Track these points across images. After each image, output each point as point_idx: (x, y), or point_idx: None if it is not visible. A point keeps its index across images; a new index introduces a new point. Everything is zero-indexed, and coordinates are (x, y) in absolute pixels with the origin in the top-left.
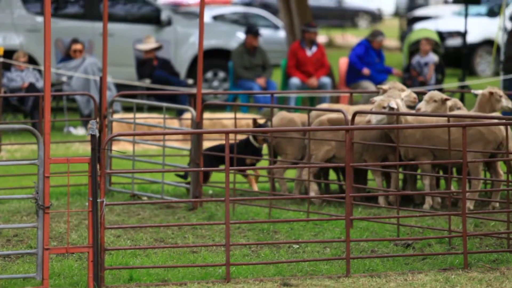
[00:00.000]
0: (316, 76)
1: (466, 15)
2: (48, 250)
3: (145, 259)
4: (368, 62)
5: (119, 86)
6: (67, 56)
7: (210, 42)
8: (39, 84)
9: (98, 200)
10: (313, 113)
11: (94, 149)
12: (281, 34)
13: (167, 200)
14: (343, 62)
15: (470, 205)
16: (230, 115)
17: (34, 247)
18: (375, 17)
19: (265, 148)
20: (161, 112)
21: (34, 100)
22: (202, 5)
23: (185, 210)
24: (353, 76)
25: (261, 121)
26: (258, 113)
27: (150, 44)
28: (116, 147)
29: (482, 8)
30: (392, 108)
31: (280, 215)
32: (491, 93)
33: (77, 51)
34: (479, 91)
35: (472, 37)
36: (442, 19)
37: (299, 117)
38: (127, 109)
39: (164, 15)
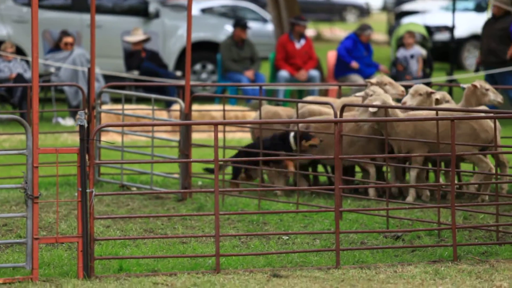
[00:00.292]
0: (305, 69)
1: (454, 10)
2: (37, 239)
3: (134, 250)
4: (356, 56)
5: (107, 78)
6: (56, 47)
7: (199, 35)
8: (27, 75)
9: (87, 190)
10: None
11: (83, 139)
12: (270, 27)
13: (157, 191)
14: (331, 56)
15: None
16: (219, 107)
17: (23, 236)
18: (363, 11)
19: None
20: (150, 104)
21: (22, 91)
22: None
23: (175, 201)
24: (341, 69)
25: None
26: (247, 105)
27: (138, 36)
28: (105, 138)
29: (470, 3)
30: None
31: (270, 207)
32: (475, 87)
33: (68, 44)
34: (467, 85)
35: (460, 32)
36: (430, 13)
37: (284, 111)
38: (115, 100)
39: (152, 7)
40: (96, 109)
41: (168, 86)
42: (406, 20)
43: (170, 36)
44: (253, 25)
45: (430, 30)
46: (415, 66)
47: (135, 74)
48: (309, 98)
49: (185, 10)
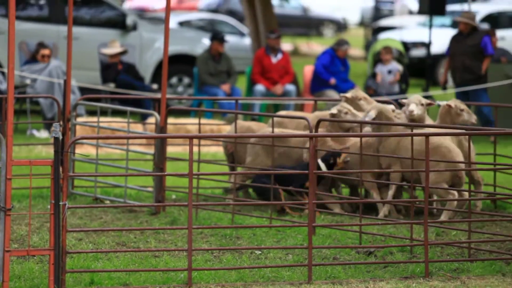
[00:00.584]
0: (281, 83)
1: (430, 26)
2: (9, 252)
3: (106, 263)
4: (333, 71)
5: (83, 90)
6: (32, 59)
7: (176, 48)
8: (2, 86)
9: (61, 203)
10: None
11: (57, 151)
12: (247, 41)
13: (130, 204)
14: (308, 70)
15: (444, 216)
16: (195, 120)
17: None
18: (340, 26)
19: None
20: (125, 117)
21: None
22: (168, 10)
23: (148, 214)
24: (318, 84)
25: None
26: (222, 119)
27: (115, 49)
28: (80, 150)
29: (447, 19)
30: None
31: (243, 221)
32: (449, 106)
33: (45, 56)
34: (444, 102)
35: (436, 48)
36: (406, 29)
37: (256, 126)
38: (91, 113)
39: (129, 20)
40: (71, 122)
41: (144, 99)
42: (383, 36)
43: (147, 49)
44: (230, 38)
45: (406, 46)
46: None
47: (111, 86)
48: (283, 112)
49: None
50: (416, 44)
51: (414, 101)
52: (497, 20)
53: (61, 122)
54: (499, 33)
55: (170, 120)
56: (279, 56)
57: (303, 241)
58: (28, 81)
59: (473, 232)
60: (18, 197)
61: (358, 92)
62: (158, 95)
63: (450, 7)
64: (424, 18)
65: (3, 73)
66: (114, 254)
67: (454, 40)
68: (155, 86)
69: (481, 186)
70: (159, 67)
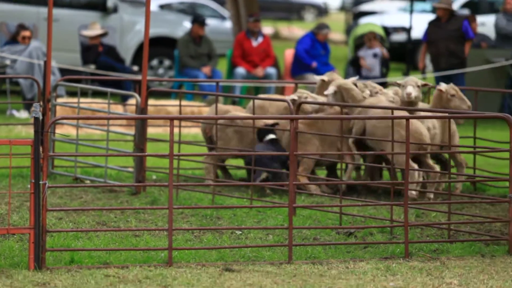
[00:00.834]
0: (262, 66)
1: (411, 11)
2: None
3: (87, 242)
4: (313, 55)
5: (64, 71)
6: (12, 40)
7: (156, 30)
8: None
9: (41, 182)
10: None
11: (37, 131)
12: (228, 24)
13: (110, 184)
14: (288, 54)
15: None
16: (175, 102)
17: None
18: (321, 10)
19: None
20: (106, 98)
21: None
22: None
23: (128, 194)
24: (298, 68)
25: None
26: (203, 101)
27: (96, 31)
28: (60, 131)
29: (427, 5)
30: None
31: (224, 202)
32: (440, 91)
33: (25, 37)
34: (443, 86)
35: (417, 33)
36: (387, 14)
37: (234, 109)
38: (71, 94)
39: (110, 2)
40: (51, 102)
41: (124, 80)
42: (364, 21)
43: (128, 31)
44: (211, 22)
45: (387, 30)
46: (378, 65)
47: (91, 68)
48: (262, 95)
49: (144, 5)
50: (396, 29)
51: (411, 83)
52: (477, 6)
53: (41, 103)
54: (479, 18)
55: (151, 101)
56: (260, 39)
57: (283, 221)
58: (8, 62)
59: (453, 213)
60: None
61: (333, 74)
62: (139, 77)
63: None
64: (405, 3)
65: None
66: (94, 233)
67: (433, 25)
68: (135, 68)
69: (463, 169)
70: (139, 50)
